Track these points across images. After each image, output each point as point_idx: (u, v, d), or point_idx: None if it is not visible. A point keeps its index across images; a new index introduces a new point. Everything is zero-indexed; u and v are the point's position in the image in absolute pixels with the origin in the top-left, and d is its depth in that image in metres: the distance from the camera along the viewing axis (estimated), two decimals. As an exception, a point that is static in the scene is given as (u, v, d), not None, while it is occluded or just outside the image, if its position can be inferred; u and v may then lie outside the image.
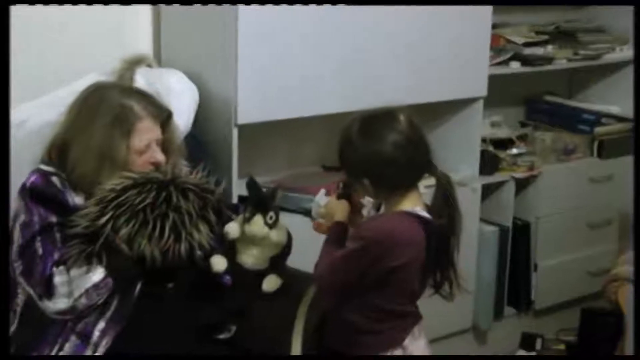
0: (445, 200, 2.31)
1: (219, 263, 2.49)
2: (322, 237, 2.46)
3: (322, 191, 2.51)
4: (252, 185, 2.49)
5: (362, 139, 2.27)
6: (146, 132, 2.46)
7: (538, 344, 3.92)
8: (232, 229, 2.48)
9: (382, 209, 2.41)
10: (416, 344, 2.37)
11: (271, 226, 2.47)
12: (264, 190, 2.53)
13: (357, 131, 2.28)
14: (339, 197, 2.44)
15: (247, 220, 2.46)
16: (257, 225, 2.46)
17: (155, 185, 2.37)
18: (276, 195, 2.49)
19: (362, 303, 2.31)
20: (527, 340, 3.93)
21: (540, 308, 4.02)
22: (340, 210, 2.42)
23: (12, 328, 2.46)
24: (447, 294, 2.40)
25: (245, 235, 2.48)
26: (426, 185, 2.40)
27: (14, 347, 2.42)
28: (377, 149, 2.25)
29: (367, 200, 2.46)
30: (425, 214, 2.29)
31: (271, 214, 2.47)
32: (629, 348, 2.64)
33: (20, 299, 2.45)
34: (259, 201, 2.48)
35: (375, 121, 2.28)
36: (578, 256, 4.03)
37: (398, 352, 2.33)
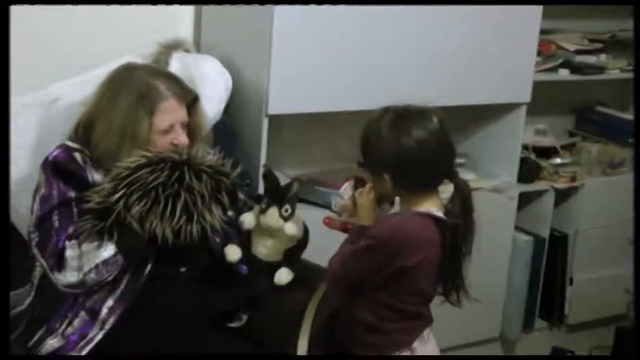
0: (461, 208, 2.28)
1: (233, 253, 2.50)
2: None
3: (346, 184, 2.48)
4: (269, 176, 2.48)
5: (392, 132, 2.24)
6: (170, 113, 2.46)
7: (568, 360, 3.87)
8: (248, 219, 2.48)
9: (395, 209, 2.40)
10: (425, 347, 2.34)
11: (286, 219, 2.46)
12: (282, 182, 2.52)
13: (388, 124, 2.25)
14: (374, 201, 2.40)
15: (262, 211, 2.45)
16: (272, 217, 2.45)
17: (168, 165, 2.37)
18: (293, 188, 2.47)
19: (374, 301, 2.29)
20: (557, 355, 3.86)
21: (574, 323, 3.95)
22: (369, 214, 2.38)
23: (28, 300, 2.49)
24: (455, 301, 2.37)
25: (261, 226, 2.47)
26: (444, 196, 2.37)
27: (27, 318, 2.47)
28: (405, 144, 2.22)
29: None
30: (441, 215, 2.27)
31: (287, 206, 2.46)
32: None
33: (37, 272, 2.49)
34: (276, 193, 2.47)
35: (407, 117, 2.26)
36: (616, 272, 3.94)
37: (406, 353, 2.31)
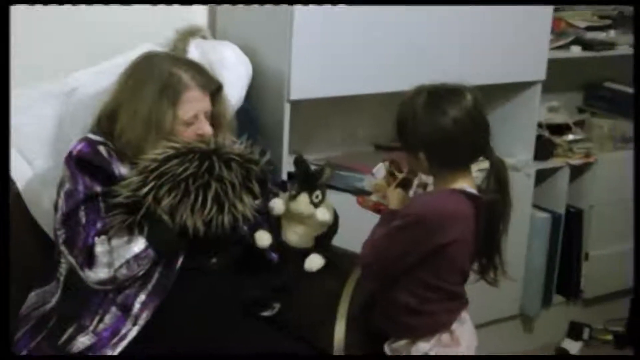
0: (497, 184, 2.28)
1: (263, 238, 2.48)
2: (370, 216, 2.44)
3: (380, 164, 2.47)
4: (300, 162, 2.47)
5: (427, 111, 2.23)
6: (194, 103, 2.42)
7: (585, 334, 3.91)
8: (277, 205, 2.46)
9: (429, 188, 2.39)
10: (462, 328, 2.35)
11: (317, 205, 2.45)
12: (312, 168, 2.50)
13: (423, 103, 2.24)
14: (398, 185, 2.40)
15: (292, 197, 2.44)
16: (303, 203, 2.43)
17: (197, 155, 2.34)
18: (324, 173, 2.46)
19: (412, 281, 2.28)
20: (575, 330, 3.91)
21: (590, 297, 3.97)
22: (397, 199, 2.38)
23: (56, 297, 2.46)
24: (492, 279, 2.37)
25: (291, 213, 2.46)
26: (479, 169, 2.36)
27: (56, 316, 2.42)
28: (441, 123, 2.21)
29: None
30: (474, 191, 2.27)
31: (317, 192, 2.44)
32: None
33: (63, 268, 2.45)
34: (306, 179, 2.46)
35: (442, 95, 2.25)
36: (630, 246, 3.93)
37: (445, 336, 2.31)
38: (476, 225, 2.27)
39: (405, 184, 2.42)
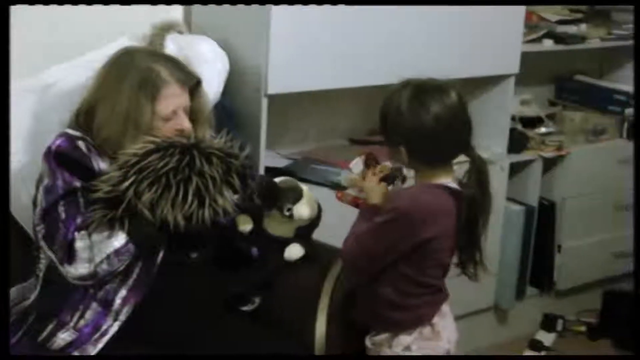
0: (478, 180, 2.30)
1: (244, 221, 2.48)
2: (348, 210, 2.45)
3: (357, 159, 2.47)
4: (261, 186, 2.50)
5: (410, 105, 2.24)
6: (172, 98, 2.41)
7: (559, 325, 3.94)
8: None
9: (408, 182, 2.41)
10: (443, 322, 2.37)
11: (291, 216, 2.47)
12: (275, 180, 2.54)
13: (408, 97, 2.25)
14: (382, 180, 2.41)
15: (266, 216, 2.48)
16: (276, 220, 2.47)
17: (178, 149, 2.33)
18: (278, 189, 2.51)
19: (396, 277, 2.29)
20: (548, 321, 3.94)
21: (563, 289, 4.01)
22: (379, 193, 2.38)
23: (34, 294, 2.45)
24: (472, 274, 2.40)
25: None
26: (458, 161, 2.38)
27: (36, 313, 2.41)
28: (423, 118, 2.22)
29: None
30: (456, 186, 2.29)
31: (288, 206, 2.47)
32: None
33: (42, 264, 2.44)
34: (270, 202, 2.49)
35: (427, 91, 2.26)
36: (602, 238, 4.02)
37: (427, 329, 2.33)
38: (457, 220, 2.28)
39: (386, 178, 2.43)
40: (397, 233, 2.24)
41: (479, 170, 2.30)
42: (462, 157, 2.33)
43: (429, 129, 2.23)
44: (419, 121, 2.23)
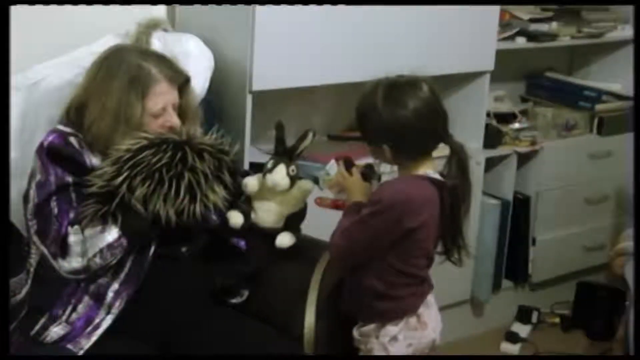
0: (458, 169, 2.36)
1: (235, 217, 2.50)
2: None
3: (332, 161, 2.52)
4: (279, 128, 2.53)
5: (387, 104, 2.30)
6: (162, 95, 2.45)
7: (534, 317, 3.98)
8: (251, 182, 2.50)
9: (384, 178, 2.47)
10: (428, 312, 2.41)
11: (292, 179, 2.49)
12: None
13: (382, 97, 2.30)
14: (363, 177, 2.46)
15: (269, 170, 2.48)
16: (280, 174, 2.47)
17: (171, 146, 2.37)
18: (302, 143, 2.52)
19: (382, 268, 2.33)
20: (523, 313, 3.99)
21: (537, 281, 4.06)
22: (361, 190, 2.44)
23: (25, 289, 2.47)
24: (456, 259, 2.45)
25: (265, 188, 2.49)
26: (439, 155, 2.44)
27: (27, 307, 2.43)
28: (402, 114, 2.28)
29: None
30: (438, 176, 2.34)
31: (293, 167, 2.49)
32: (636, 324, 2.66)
33: (33, 259, 2.47)
34: (283, 151, 2.51)
35: (399, 88, 2.31)
36: (575, 231, 4.07)
37: (412, 319, 2.37)
38: (441, 209, 2.34)
39: (365, 176, 2.48)
40: (382, 224, 2.28)
41: (459, 157, 2.36)
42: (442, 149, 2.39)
43: (408, 124, 2.28)
44: (398, 118, 2.28)
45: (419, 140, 2.33)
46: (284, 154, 2.51)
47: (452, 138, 2.38)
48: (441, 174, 2.36)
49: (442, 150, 2.41)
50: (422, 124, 2.30)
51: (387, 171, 2.57)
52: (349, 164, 2.49)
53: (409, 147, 2.33)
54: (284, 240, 2.53)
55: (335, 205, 2.54)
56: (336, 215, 2.42)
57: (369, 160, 2.52)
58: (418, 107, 2.29)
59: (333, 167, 2.52)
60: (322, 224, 2.43)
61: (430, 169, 2.35)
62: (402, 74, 2.36)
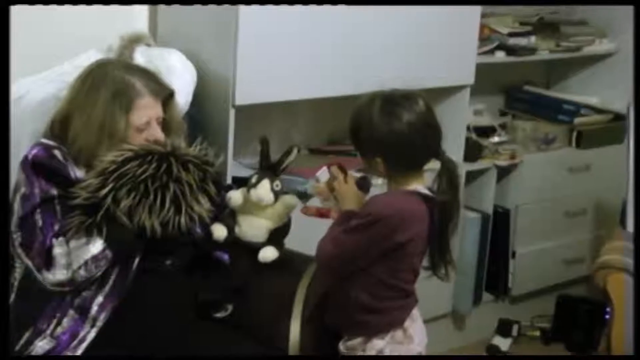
0: (448, 185, 2.36)
1: (219, 230, 2.52)
2: (313, 220, 2.51)
3: (324, 168, 2.52)
4: (264, 143, 2.54)
5: (382, 117, 2.29)
6: (146, 109, 2.46)
7: (514, 330, 3.98)
8: (235, 196, 2.51)
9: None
10: (414, 325, 2.41)
11: (277, 194, 2.50)
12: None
13: (378, 109, 2.30)
14: (358, 186, 2.46)
15: (253, 185, 2.49)
16: (264, 189, 2.49)
17: (156, 157, 2.38)
18: (286, 160, 2.54)
19: (368, 280, 2.33)
20: (504, 326, 3.98)
21: (517, 294, 4.07)
22: (354, 199, 2.43)
23: (9, 302, 2.44)
24: (443, 275, 2.45)
25: (249, 203, 2.51)
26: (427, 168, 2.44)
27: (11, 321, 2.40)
28: (397, 127, 2.28)
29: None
30: (428, 192, 2.34)
31: (277, 182, 2.50)
32: (619, 338, 2.68)
33: (17, 272, 2.45)
34: (268, 166, 2.52)
35: (395, 102, 2.31)
36: (554, 244, 4.09)
37: (399, 333, 2.36)
38: (430, 225, 2.34)
39: (360, 185, 2.49)
40: (372, 236, 2.28)
41: (450, 173, 2.36)
42: (432, 164, 2.40)
43: (403, 137, 2.29)
44: (392, 131, 2.29)
45: (412, 154, 2.33)
46: (269, 168, 2.51)
47: (444, 153, 2.38)
48: (430, 190, 2.36)
49: (432, 163, 2.40)
50: (417, 138, 2.30)
51: (379, 183, 2.57)
52: (342, 171, 2.49)
53: (402, 161, 2.33)
54: (268, 254, 2.54)
55: (320, 213, 2.54)
56: (321, 229, 2.41)
57: (354, 173, 2.52)
58: (413, 121, 2.29)
59: (324, 174, 2.51)
60: (306, 237, 2.43)
61: (421, 184, 2.35)
62: (393, 87, 2.36)
